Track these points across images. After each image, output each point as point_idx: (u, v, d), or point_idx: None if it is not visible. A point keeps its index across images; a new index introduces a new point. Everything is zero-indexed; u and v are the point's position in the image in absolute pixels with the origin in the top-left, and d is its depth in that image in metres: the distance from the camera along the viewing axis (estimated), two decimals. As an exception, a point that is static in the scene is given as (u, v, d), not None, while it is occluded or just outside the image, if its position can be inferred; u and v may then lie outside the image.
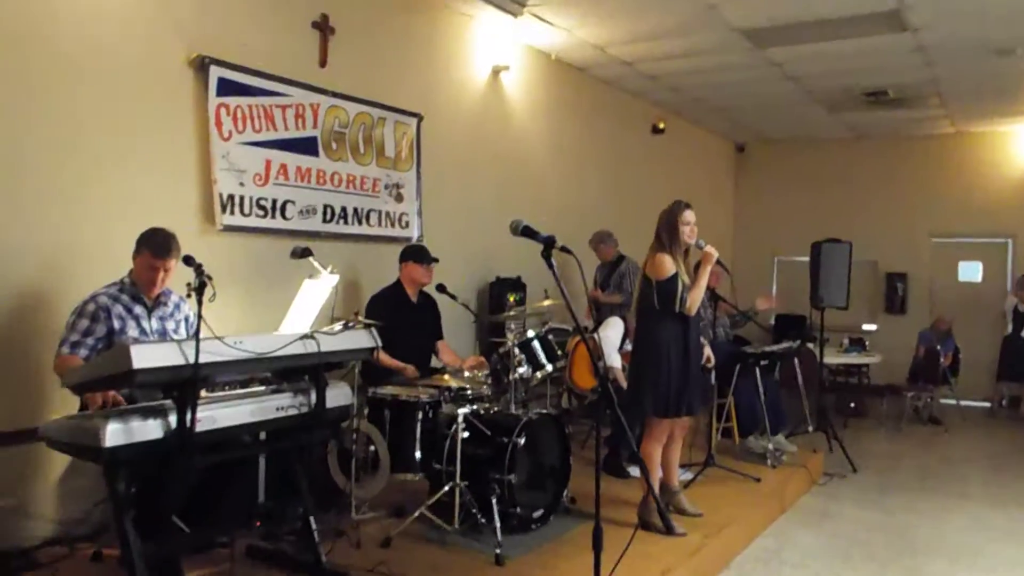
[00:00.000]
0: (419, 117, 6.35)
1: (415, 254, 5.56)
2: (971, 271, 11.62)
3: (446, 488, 4.44)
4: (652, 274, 4.69)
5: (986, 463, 7.77)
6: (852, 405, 9.72)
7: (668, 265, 4.64)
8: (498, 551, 4.12)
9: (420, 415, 4.61)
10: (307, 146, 5.42)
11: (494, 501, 4.37)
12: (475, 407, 4.75)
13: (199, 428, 3.26)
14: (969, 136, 11.44)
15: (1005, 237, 11.30)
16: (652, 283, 4.68)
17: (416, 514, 4.42)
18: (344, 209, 5.73)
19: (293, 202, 5.33)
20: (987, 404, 10.60)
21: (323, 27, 5.51)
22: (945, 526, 5.69)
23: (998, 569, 4.92)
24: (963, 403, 9.97)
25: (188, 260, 3.39)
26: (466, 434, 4.50)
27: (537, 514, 4.61)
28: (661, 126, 10.08)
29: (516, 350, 5.06)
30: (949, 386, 9.68)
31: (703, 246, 4.76)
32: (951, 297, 11.46)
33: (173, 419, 3.24)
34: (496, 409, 4.87)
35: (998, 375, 10.40)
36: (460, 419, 4.49)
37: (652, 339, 4.73)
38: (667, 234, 4.71)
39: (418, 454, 4.59)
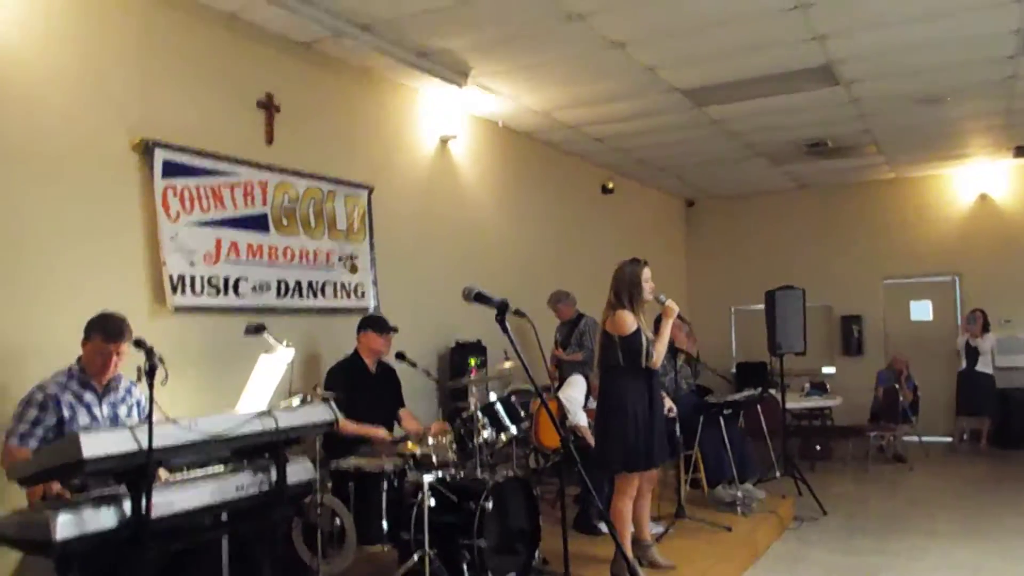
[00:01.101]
0: (369, 189, 6.41)
1: (373, 324, 5.55)
2: (922, 310, 11.88)
3: (415, 558, 4.36)
4: (615, 331, 4.73)
5: (952, 499, 7.84)
6: (818, 448, 9.77)
7: (630, 321, 4.71)
8: (470, 620, 4.04)
9: (385, 485, 4.55)
10: (257, 223, 5.43)
11: (465, 568, 4.32)
12: (441, 474, 4.70)
13: (156, 514, 3.18)
14: (909, 181, 11.83)
15: (951, 275, 11.61)
16: (615, 340, 4.72)
17: (386, 587, 4.33)
18: (298, 283, 5.72)
19: (246, 279, 5.31)
20: (948, 439, 10.75)
21: (268, 105, 5.58)
22: (916, 565, 5.70)
23: (971, 603, 4.93)
24: (925, 439, 10.08)
25: (139, 343, 3.35)
26: (433, 501, 4.44)
27: (509, 578, 4.54)
28: (610, 186, 10.27)
29: (479, 414, 5.05)
30: (910, 424, 9.81)
31: (664, 300, 4.88)
32: (905, 336, 11.68)
33: (128, 506, 3.16)
34: (462, 474, 4.82)
35: (957, 410, 10.58)
36: (426, 487, 4.44)
37: (617, 395, 4.76)
38: (629, 292, 4.79)
39: (385, 525, 4.51)
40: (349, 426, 5.04)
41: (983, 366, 10.37)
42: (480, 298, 3.62)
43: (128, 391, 3.97)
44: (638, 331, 4.71)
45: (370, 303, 6.31)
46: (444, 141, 7.42)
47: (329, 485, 4.55)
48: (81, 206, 4.46)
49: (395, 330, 5.58)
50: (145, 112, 4.80)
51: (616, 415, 4.74)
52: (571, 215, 9.63)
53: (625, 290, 4.80)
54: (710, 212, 13.20)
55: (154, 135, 4.79)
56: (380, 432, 5.20)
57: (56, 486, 3.43)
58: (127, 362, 3.75)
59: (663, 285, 5.34)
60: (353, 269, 6.21)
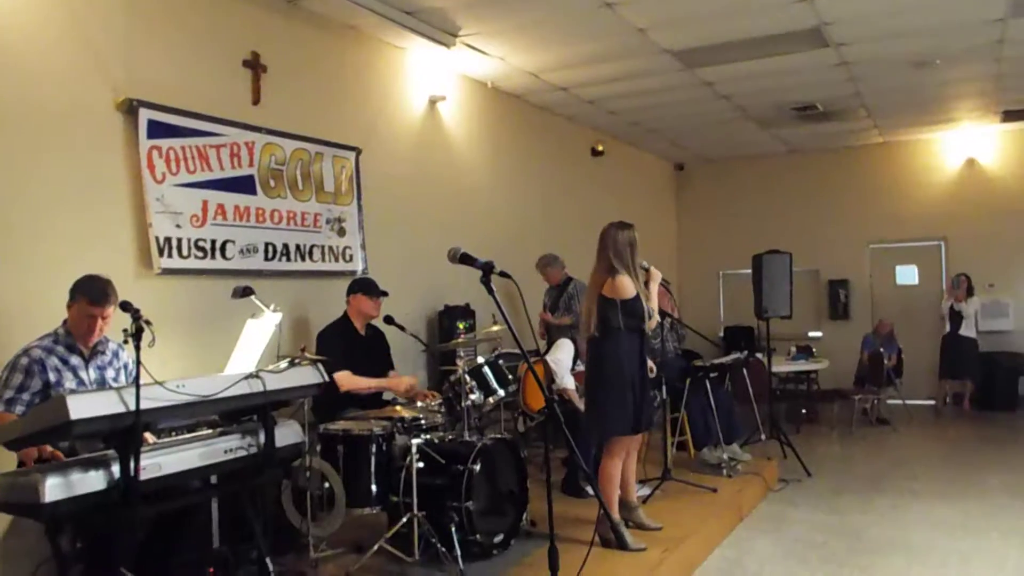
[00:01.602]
0: (357, 151, 6.35)
1: (364, 287, 5.54)
2: (908, 274, 11.96)
3: (404, 520, 4.40)
4: (615, 295, 4.71)
5: (934, 460, 7.96)
6: (803, 411, 9.87)
7: (631, 285, 4.72)
8: (460, 580, 4.08)
9: (374, 448, 4.56)
10: (244, 185, 5.38)
11: (453, 529, 4.35)
12: (429, 436, 4.73)
13: (144, 476, 3.20)
14: (897, 145, 11.83)
15: (937, 240, 11.67)
16: (616, 304, 4.71)
17: (375, 548, 4.36)
18: (286, 246, 5.69)
19: (233, 241, 5.27)
20: (932, 402, 10.90)
21: (254, 65, 5.50)
22: (898, 524, 5.80)
23: (950, 563, 5.01)
24: (909, 402, 10.21)
25: (125, 306, 3.34)
26: (421, 464, 4.46)
27: (497, 539, 4.58)
28: (600, 149, 10.22)
29: (467, 377, 5.06)
30: (895, 387, 9.92)
31: (647, 267, 4.91)
32: (891, 300, 11.78)
33: (116, 469, 3.18)
34: (450, 437, 4.85)
35: (940, 373, 10.71)
36: (414, 449, 4.46)
37: (614, 359, 4.76)
38: (631, 255, 4.78)
39: (374, 487, 4.53)
40: (360, 381, 5.13)
41: (967, 330, 10.48)
42: (465, 259, 3.62)
43: (115, 354, 3.96)
44: (638, 295, 4.73)
45: (358, 266, 6.29)
46: (433, 102, 7.35)
47: (318, 448, 4.56)
48: (65, 167, 4.40)
49: (385, 294, 5.58)
50: (129, 71, 4.72)
51: (614, 379, 4.75)
52: (561, 178, 9.59)
53: (626, 253, 4.79)
54: (700, 176, 13.18)
55: (138, 95, 4.72)
56: (403, 383, 5.39)
57: (50, 448, 3.43)
58: (114, 325, 3.73)
59: (653, 249, 5.36)
60: (341, 232, 6.18)
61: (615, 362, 4.76)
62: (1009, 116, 10.32)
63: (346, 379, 5.15)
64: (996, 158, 11.32)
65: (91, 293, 3.72)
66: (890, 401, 10.01)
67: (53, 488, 2.98)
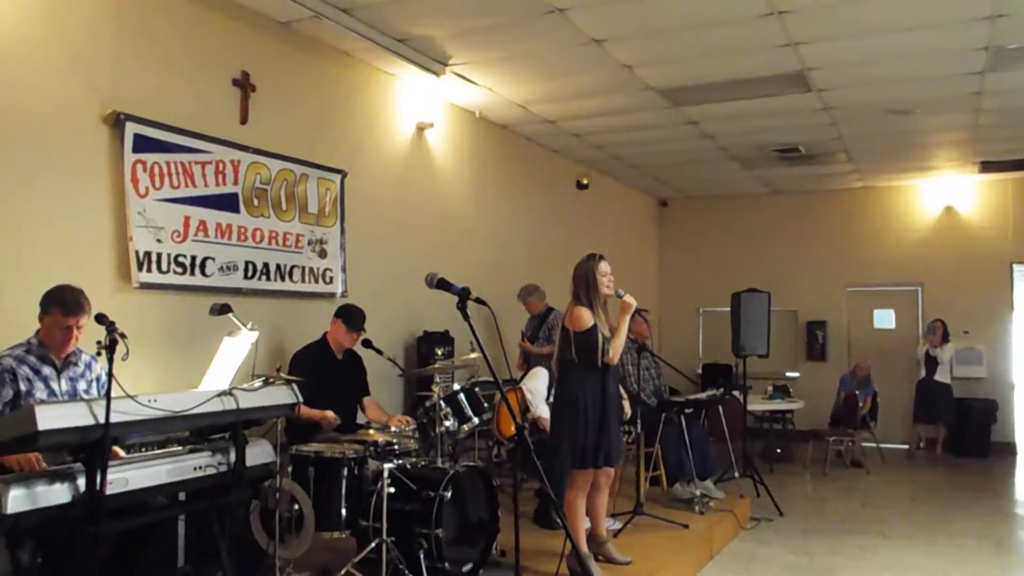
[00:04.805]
0: (343, 173, 6.38)
1: (346, 316, 5.46)
2: (885, 318, 12.07)
3: (373, 545, 4.36)
4: (571, 326, 4.75)
5: (905, 503, 7.99)
6: (778, 451, 9.89)
7: (586, 317, 4.72)
8: (426, 608, 4.05)
9: (345, 471, 4.53)
10: (228, 202, 5.38)
11: (422, 556, 4.32)
12: (401, 462, 4.70)
13: (110, 491, 3.16)
14: (877, 190, 12.00)
15: (914, 285, 11.80)
16: (571, 335, 4.74)
17: (342, 572, 4.32)
18: (266, 265, 5.69)
19: (213, 259, 5.27)
20: (906, 446, 10.95)
21: (244, 84, 5.53)
22: (866, 566, 5.81)
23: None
24: (883, 446, 10.27)
25: (100, 318, 3.32)
26: (392, 489, 4.43)
27: (466, 568, 4.56)
28: (585, 182, 10.31)
29: (442, 403, 5.05)
30: (869, 430, 9.97)
31: (622, 295, 4.86)
32: (868, 343, 11.86)
33: (82, 482, 3.14)
34: (423, 463, 4.83)
35: (914, 418, 10.77)
36: (386, 474, 4.43)
37: (570, 391, 4.78)
38: (584, 287, 4.80)
39: (344, 511, 4.49)
40: (302, 410, 5.06)
41: (941, 375, 10.55)
42: (442, 284, 3.65)
43: (88, 366, 3.93)
44: (594, 327, 4.72)
45: (338, 289, 6.29)
46: (420, 129, 7.40)
47: (289, 469, 4.52)
48: (48, 178, 4.39)
49: (364, 331, 5.52)
50: (117, 85, 4.73)
51: (568, 411, 4.77)
52: (546, 210, 9.65)
53: (582, 286, 4.81)
54: (683, 213, 13.30)
55: (126, 108, 4.73)
56: (328, 416, 5.16)
57: (34, 456, 3.39)
58: (88, 336, 3.71)
59: (634, 283, 5.39)
60: (322, 254, 6.18)
61: (569, 394, 4.77)
62: (987, 167, 10.51)
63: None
64: (973, 207, 11.49)
65: (64, 304, 3.70)
66: (864, 444, 10.06)
67: (16, 499, 2.94)
